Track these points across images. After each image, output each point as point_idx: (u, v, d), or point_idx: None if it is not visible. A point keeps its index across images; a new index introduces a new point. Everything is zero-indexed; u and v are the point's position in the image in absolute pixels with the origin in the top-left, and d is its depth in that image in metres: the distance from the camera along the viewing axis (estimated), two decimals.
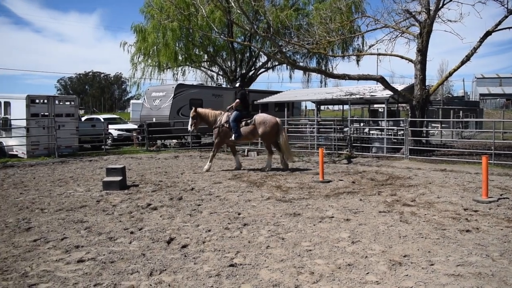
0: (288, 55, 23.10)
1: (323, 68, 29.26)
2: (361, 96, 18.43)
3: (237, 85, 13.96)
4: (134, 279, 4.73)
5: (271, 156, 13.19)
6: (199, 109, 13.03)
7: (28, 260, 5.41)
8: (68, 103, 18.62)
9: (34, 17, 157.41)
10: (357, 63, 29.22)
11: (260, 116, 12.97)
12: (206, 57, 32.56)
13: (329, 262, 5.22)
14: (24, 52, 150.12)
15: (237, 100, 12.83)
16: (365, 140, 18.28)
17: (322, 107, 40.61)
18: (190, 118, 12.86)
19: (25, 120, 16.75)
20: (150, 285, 4.57)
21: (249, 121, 12.74)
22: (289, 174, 12.24)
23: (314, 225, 6.88)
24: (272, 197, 9.05)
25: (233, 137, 12.68)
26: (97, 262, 5.24)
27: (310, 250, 5.67)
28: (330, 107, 59.36)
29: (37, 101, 17.48)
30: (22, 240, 6.20)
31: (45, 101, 17.73)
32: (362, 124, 22.38)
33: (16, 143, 17.20)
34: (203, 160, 15.94)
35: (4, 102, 18.15)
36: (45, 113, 17.51)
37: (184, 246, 5.80)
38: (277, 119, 13.02)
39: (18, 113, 17.14)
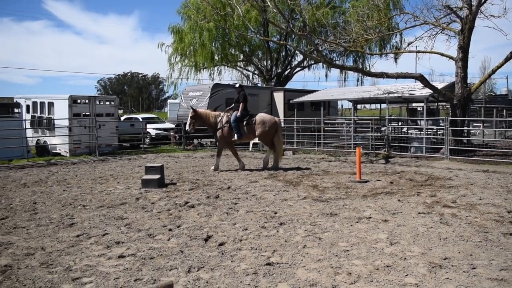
0: (324, 53, 22.90)
1: (360, 66, 28.87)
2: (400, 95, 18.06)
3: (237, 85, 13.55)
4: (173, 275, 4.83)
5: (275, 153, 13.30)
6: (199, 110, 13.01)
7: (71, 254, 5.60)
8: (108, 103, 19.15)
9: (75, 20, 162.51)
10: (395, 61, 28.62)
11: (260, 116, 13.13)
12: (242, 56, 32.77)
13: (366, 263, 5.16)
14: (66, 54, 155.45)
15: (242, 104, 12.73)
16: (403, 140, 17.91)
17: (358, 106, 40.07)
18: (189, 118, 12.78)
19: (67, 120, 17.34)
20: (189, 281, 4.65)
21: (250, 121, 12.82)
22: (326, 174, 12.15)
23: (351, 225, 6.81)
24: (308, 196, 9.01)
25: (235, 137, 12.73)
26: (137, 258, 5.38)
27: (348, 250, 5.62)
28: (367, 106, 58.52)
29: (78, 101, 18.06)
30: (65, 235, 6.43)
31: (86, 101, 18.30)
32: (400, 123, 21.93)
33: (59, 142, 17.84)
34: None
35: (48, 102, 18.84)
36: (86, 113, 18.07)
37: (221, 244, 5.87)
38: (276, 118, 13.44)
39: (61, 113, 17.76)
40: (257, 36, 26.35)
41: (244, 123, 12.74)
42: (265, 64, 32.59)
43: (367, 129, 18.86)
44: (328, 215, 7.45)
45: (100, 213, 7.72)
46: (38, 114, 19.45)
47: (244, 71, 34.72)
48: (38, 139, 18.91)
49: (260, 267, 5.03)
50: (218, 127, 12.79)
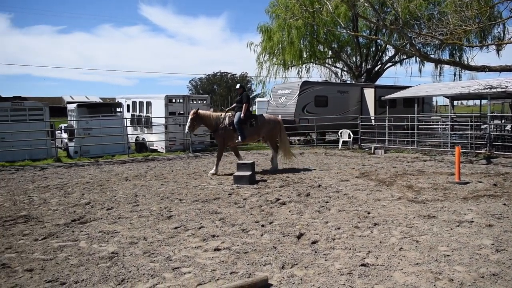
0: (417, 47, 21.83)
1: (457, 59, 27.11)
2: (504, 90, 16.66)
3: (238, 86, 12.75)
4: (267, 271, 4.88)
5: (276, 154, 12.95)
6: (200, 111, 12.29)
7: (171, 245, 5.90)
8: (201, 102, 19.94)
9: (168, 24, 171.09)
10: (497, 53, 26.41)
11: (263, 117, 12.80)
12: (330, 53, 32.34)
13: (470, 270, 4.83)
14: (160, 56, 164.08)
15: (245, 104, 12.20)
16: (507, 139, 16.51)
17: (454, 103, 37.66)
18: (189, 120, 12.06)
19: (163, 118, 18.31)
20: (283, 277, 4.68)
21: (253, 122, 12.38)
22: (421, 174, 11.58)
23: (451, 229, 6.42)
24: (403, 197, 8.65)
25: (239, 139, 12.20)
26: (231, 252, 5.52)
27: (448, 255, 5.30)
28: (464, 102, 54.83)
29: (173, 100, 19.01)
30: (165, 227, 6.79)
31: (181, 100, 19.21)
32: (503, 121, 20.26)
33: (156, 139, 18.91)
34: (329, 157, 15.87)
35: (146, 102, 20.07)
36: (181, 112, 18.95)
37: (314, 242, 5.83)
38: (279, 118, 13.29)
39: (158, 111, 18.82)
40: (347, 31, 25.82)
41: (248, 124, 12.27)
42: (354, 60, 31.87)
43: (466, 127, 17.64)
44: (425, 217, 7.10)
45: (195, 207, 8.06)
46: (137, 113, 20.79)
47: (333, 68, 34.22)
48: (137, 136, 20.22)
49: (355, 268, 4.92)
50: (220, 128, 12.18)
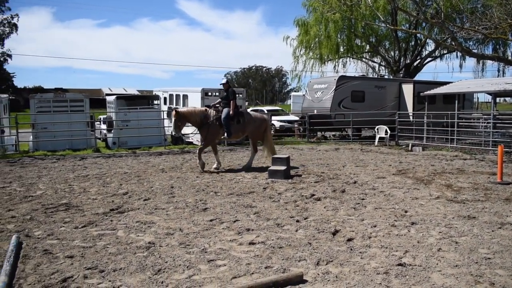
0: (459, 42, 21.13)
1: (501, 55, 26.10)
2: None
3: (223, 81, 12.20)
4: (302, 267, 4.86)
5: (254, 154, 12.61)
6: (181, 110, 11.86)
7: (206, 237, 5.96)
8: (237, 95, 19.95)
9: (205, 18, 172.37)
10: None
11: (249, 114, 12.51)
12: (368, 47, 31.79)
13: None
14: (196, 50, 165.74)
15: (232, 101, 11.81)
16: None
17: (497, 99, 36.37)
18: (173, 121, 11.48)
19: None
20: (318, 274, 4.65)
21: (240, 119, 12.02)
22: (461, 173, 11.24)
23: (492, 231, 6.21)
24: (441, 196, 8.42)
25: (225, 135, 11.85)
26: (266, 246, 5.53)
27: (489, 258, 5.14)
28: (507, 99, 52.82)
29: (210, 93, 19.12)
30: (200, 219, 6.87)
31: (217, 93, 19.28)
32: None
33: (191, 132, 19.09)
34: (364, 153, 15.64)
35: (183, 95, 20.29)
36: (217, 105, 19.03)
37: (349, 240, 5.77)
38: (265, 116, 13.06)
39: (194, 104, 18.94)
40: (387, 25, 25.28)
41: (235, 121, 11.90)
42: (393, 54, 31.18)
43: (509, 125, 16.98)
44: (465, 218, 6.89)
45: (230, 200, 8.10)
46: (174, 106, 21.04)
47: (370, 63, 33.65)
48: None
49: (391, 267, 4.83)
50: (206, 124, 11.71)
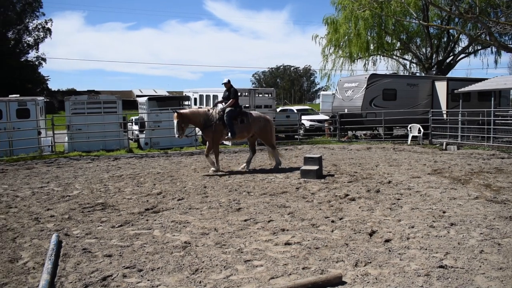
0: (495, 37, 20.47)
1: None
2: None
3: (225, 80, 11.83)
4: (340, 268, 4.79)
5: (276, 151, 12.26)
6: (183, 111, 11.53)
7: (241, 237, 5.96)
8: (266, 95, 19.99)
9: (232, 18, 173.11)
10: None
11: (253, 113, 12.21)
12: (398, 44, 31.27)
13: None
14: (224, 51, 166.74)
15: (232, 100, 11.57)
16: None
17: None
18: (176, 124, 11.12)
19: None
20: (357, 275, 4.57)
21: (244, 118, 11.74)
22: (499, 172, 10.89)
23: None
24: (480, 196, 8.17)
25: (229, 135, 11.56)
26: (302, 247, 5.48)
27: None
28: None
29: (239, 94, 19.16)
30: (234, 219, 6.87)
31: (247, 94, 19.35)
32: None
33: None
34: (397, 152, 15.36)
35: (213, 95, 20.41)
36: (246, 105, 19.09)
37: (387, 241, 5.65)
38: (269, 117, 12.86)
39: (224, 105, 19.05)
40: (420, 21, 24.75)
41: (238, 121, 11.65)
42: (424, 51, 30.55)
43: None
44: (507, 218, 6.66)
45: (263, 200, 8.08)
46: (204, 106, 21.20)
47: (401, 60, 33.03)
48: None
49: (432, 269, 4.70)
50: (209, 124, 11.42)
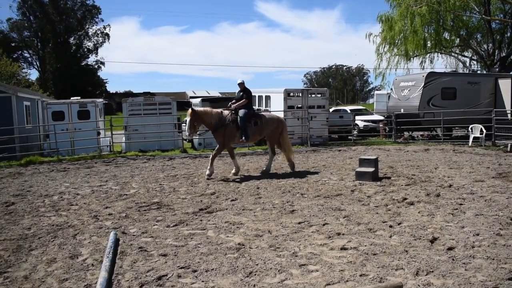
0: None
1: None
2: None
3: (240, 81, 11.43)
4: (400, 276, 4.58)
5: (273, 156, 11.93)
6: (197, 109, 11.08)
7: (295, 240, 5.85)
8: (319, 95, 19.72)
9: (283, 19, 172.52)
10: None
11: (266, 115, 11.74)
12: (457, 41, 29.88)
13: None
14: (275, 51, 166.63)
15: (244, 100, 11.12)
16: None
17: None
18: (188, 121, 10.70)
19: (282, 112, 18.43)
20: (418, 285, 4.35)
21: (257, 120, 11.24)
22: None
23: None
24: None
25: (242, 138, 11.03)
26: (359, 252, 5.29)
27: None
28: None
29: (292, 94, 19.05)
30: (288, 221, 6.77)
31: (299, 94, 19.18)
32: None
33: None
34: (457, 154, 14.65)
35: (266, 96, 20.43)
36: (299, 105, 18.93)
37: (450, 248, 5.35)
38: (282, 118, 12.55)
39: (277, 105, 19.02)
40: (481, 15, 23.56)
41: (252, 123, 11.18)
42: (486, 48, 29.03)
43: None
44: None
45: (317, 203, 7.92)
46: (257, 107, 21.23)
47: (460, 57, 31.57)
48: None
49: (501, 282, 4.39)
50: (221, 126, 10.98)
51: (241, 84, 11.52)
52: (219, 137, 11.11)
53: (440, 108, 19.00)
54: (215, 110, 11.38)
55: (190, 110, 10.72)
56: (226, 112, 11.20)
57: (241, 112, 11.06)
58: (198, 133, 12.14)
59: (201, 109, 11.35)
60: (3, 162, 14.93)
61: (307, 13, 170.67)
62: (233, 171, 11.25)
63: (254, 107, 21.18)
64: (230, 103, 11.77)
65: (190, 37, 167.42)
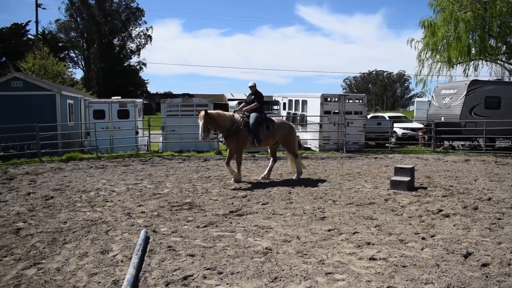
0: None
1: None
2: None
3: (251, 84, 11.03)
4: None
5: (296, 159, 11.57)
6: (211, 112, 10.72)
7: (324, 248, 5.78)
8: (357, 101, 19.45)
9: (324, 23, 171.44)
10: None
11: (278, 120, 11.45)
12: (504, 48, 28.76)
13: None
14: (314, 55, 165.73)
15: (255, 103, 10.76)
16: None
17: None
18: (202, 124, 10.22)
19: (318, 117, 18.31)
20: None
21: (269, 124, 10.96)
22: None
23: None
24: None
25: (254, 143, 10.69)
26: (388, 264, 5.17)
27: None
28: None
29: (329, 99, 18.87)
30: (318, 228, 6.70)
31: (336, 99, 18.98)
32: None
33: (310, 137, 19.05)
34: (499, 166, 14.09)
35: (302, 100, 20.34)
36: (336, 111, 18.73)
37: (484, 265, 5.14)
38: (291, 124, 12.63)
39: (313, 110, 18.91)
40: None
41: (264, 127, 10.88)
42: None
43: None
44: None
45: (349, 210, 7.81)
46: (293, 111, 21.19)
47: (507, 65, 30.39)
48: None
49: None
50: (235, 131, 10.64)
51: (253, 87, 11.23)
52: (233, 142, 10.77)
53: (483, 117, 18.33)
54: (228, 113, 11.28)
55: (203, 112, 10.36)
56: (237, 116, 10.98)
57: (253, 115, 10.83)
58: (211, 137, 12.02)
59: (215, 112, 11.08)
60: (45, 157, 15.54)
61: (348, 17, 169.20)
62: (232, 179, 10.96)
63: (290, 111, 21.31)
64: (240, 106, 11.61)
65: (230, 40, 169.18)
